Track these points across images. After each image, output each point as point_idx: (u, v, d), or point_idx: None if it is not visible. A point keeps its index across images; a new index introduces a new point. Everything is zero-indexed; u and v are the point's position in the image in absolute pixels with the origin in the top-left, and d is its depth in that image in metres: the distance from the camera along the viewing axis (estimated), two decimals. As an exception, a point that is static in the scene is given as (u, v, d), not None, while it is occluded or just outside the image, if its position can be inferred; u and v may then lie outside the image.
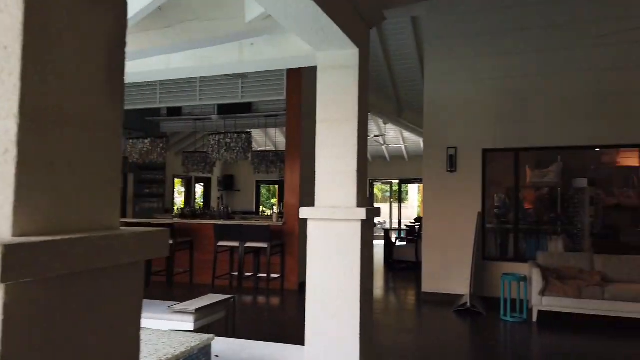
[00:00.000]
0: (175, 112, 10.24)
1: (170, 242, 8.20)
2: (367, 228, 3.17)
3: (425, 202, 7.40)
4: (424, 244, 7.36)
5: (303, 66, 3.34)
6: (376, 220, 19.30)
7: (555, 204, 7.44)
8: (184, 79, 8.21)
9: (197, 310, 3.88)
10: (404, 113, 10.88)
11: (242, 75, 7.60)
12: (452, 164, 7.16)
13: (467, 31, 7.19)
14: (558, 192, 7.55)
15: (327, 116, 3.09)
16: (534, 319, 5.97)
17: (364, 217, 2.96)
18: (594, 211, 7.16)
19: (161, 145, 9.18)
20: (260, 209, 17.85)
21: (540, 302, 5.93)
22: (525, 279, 6.24)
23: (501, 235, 7.26)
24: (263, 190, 20.37)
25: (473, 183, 7.11)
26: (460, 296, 6.75)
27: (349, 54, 3.04)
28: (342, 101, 3.05)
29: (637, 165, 8.54)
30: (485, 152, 7.13)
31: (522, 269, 6.66)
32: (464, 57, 7.19)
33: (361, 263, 2.99)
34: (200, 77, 8.10)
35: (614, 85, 6.49)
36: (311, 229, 3.10)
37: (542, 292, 5.90)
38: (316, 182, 3.12)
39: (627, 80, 6.43)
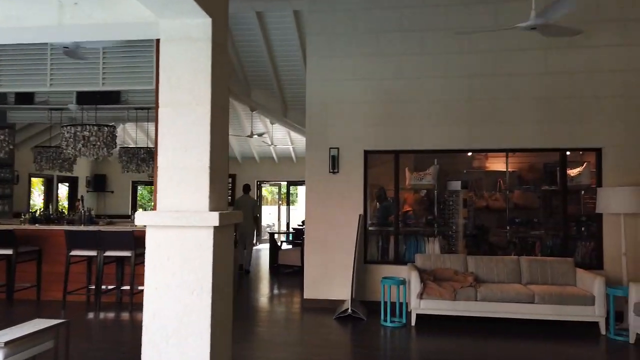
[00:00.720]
0: (26, 99, 8.74)
1: (8, 251, 6.88)
2: (224, 236, 2.63)
3: (308, 204, 7.06)
4: (306, 248, 7.01)
5: (145, 38, 2.70)
6: (265, 223, 18.78)
7: (432, 206, 7.56)
8: (32, 58, 6.97)
9: (6, 343, 3.02)
10: (289, 112, 10.52)
11: (103, 56, 6.61)
12: (334, 165, 6.91)
13: (348, 29, 6.99)
14: (435, 194, 7.68)
15: (171, 99, 2.50)
16: (413, 322, 5.89)
17: (216, 223, 2.41)
18: (467, 213, 7.38)
19: (2, 137, 7.71)
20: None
21: (419, 306, 5.86)
22: (404, 282, 6.16)
23: (382, 238, 7.17)
24: (143, 192, 18.79)
25: (355, 185, 6.92)
26: (343, 302, 6.51)
27: (200, 23, 2.48)
28: (191, 81, 2.48)
29: (504, 169, 9.11)
30: (366, 153, 6.99)
31: (402, 272, 6.60)
32: (346, 56, 6.99)
33: (213, 280, 2.45)
34: (52, 56, 6.92)
35: (484, 91, 6.71)
36: (150, 239, 2.48)
37: (420, 295, 5.84)
38: (157, 180, 2.51)
39: (495, 86, 6.68)
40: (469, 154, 8.21)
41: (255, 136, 12.62)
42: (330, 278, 6.84)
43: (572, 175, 6.97)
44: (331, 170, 6.92)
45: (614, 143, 6.37)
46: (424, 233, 7.31)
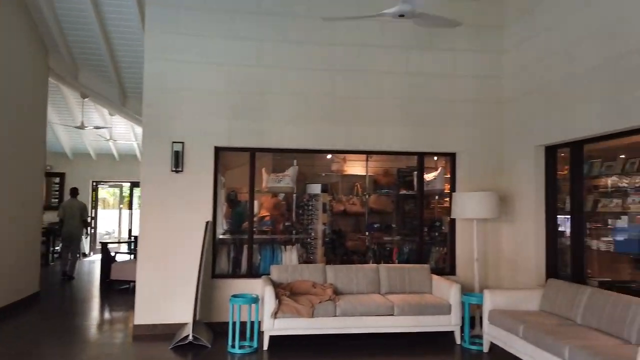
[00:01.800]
0: None
1: None
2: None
3: (144, 208, 5.84)
4: (139, 262, 5.77)
5: None
6: (103, 230, 16.38)
7: (290, 211, 6.91)
8: None
9: None
10: (129, 101, 9.01)
11: None
12: (178, 162, 5.81)
13: (197, 2, 5.99)
14: (294, 198, 7.06)
15: None
16: (265, 346, 5.10)
17: None
18: (327, 218, 6.88)
19: None
20: None
21: (272, 326, 5.10)
22: (257, 299, 5.34)
23: (235, 248, 6.27)
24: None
25: (203, 186, 5.91)
26: (185, 325, 5.45)
27: None
28: None
29: (363, 173, 8.92)
30: (218, 150, 6.04)
31: (257, 286, 5.79)
32: (195, 35, 5.97)
33: None
34: None
35: (347, 87, 6.26)
36: None
37: (275, 314, 5.08)
38: None
39: (358, 83, 6.28)
40: (329, 156, 7.81)
41: (90, 128, 10.70)
42: (169, 298, 5.72)
43: (427, 180, 6.91)
44: (174, 169, 5.81)
45: (467, 148, 6.41)
46: (281, 241, 6.61)
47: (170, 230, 5.80)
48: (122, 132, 13.06)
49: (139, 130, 12.42)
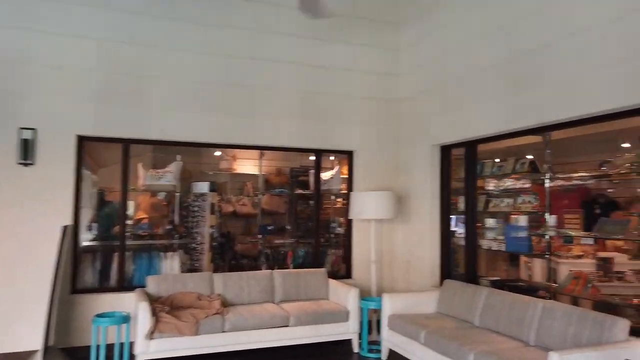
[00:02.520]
0: None
1: None
2: None
3: (-20, 211, 4.64)
4: (-28, 279, 4.57)
5: None
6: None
7: (173, 213, 6.10)
8: None
9: None
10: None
11: None
12: (27, 153, 4.72)
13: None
14: (177, 198, 6.26)
15: None
16: (138, 373, 4.30)
17: None
18: (215, 220, 6.19)
19: None
20: None
21: (147, 348, 4.31)
22: (128, 318, 4.51)
23: (103, 256, 5.30)
24: None
25: (62, 183, 4.88)
26: (34, 354, 4.40)
27: None
28: None
29: (256, 172, 8.35)
30: (81, 139, 5.04)
31: (130, 301, 4.92)
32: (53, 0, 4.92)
33: None
34: None
35: (241, 75, 5.65)
36: None
37: (151, 334, 4.30)
38: None
39: (254, 72, 5.71)
40: (217, 152, 7.13)
41: None
42: (16, 320, 4.61)
43: (323, 179, 6.56)
44: (22, 161, 4.71)
45: (365, 147, 6.18)
46: (161, 247, 5.78)
47: (18, 238, 4.69)
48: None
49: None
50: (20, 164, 4.70)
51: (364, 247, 6.03)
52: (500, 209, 5.09)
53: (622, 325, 3.12)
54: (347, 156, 6.28)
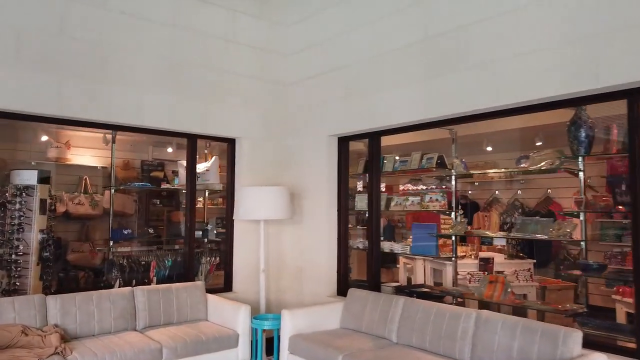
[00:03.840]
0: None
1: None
2: None
3: None
4: None
5: None
6: None
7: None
8: None
9: None
10: None
11: None
12: None
13: None
14: None
15: None
16: None
17: None
18: (47, 223, 4.59)
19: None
20: None
21: None
22: None
23: None
24: None
25: None
26: None
27: None
28: None
29: (94, 164, 6.85)
30: None
31: None
32: None
33: None
34: None
35: (91, 28, 4.24)
36: None
37: (-58, 401, 2.76)
38: None
39: (105, 25, 4.34)
40: (44, 137, 5.47)
41: None
42: None
43: (198, 172, 5.44)
44: None
45: (249, 134, 5.24)
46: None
47: None
48: None
49: None
50: None
51: (247, 254, 5.11)
52: (404, 207, 4.66)
53: (577, 337, 2.81)
54: (229, 145, 5.27)
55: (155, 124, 4.61)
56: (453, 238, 4.47)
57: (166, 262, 5.03)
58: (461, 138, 4.65)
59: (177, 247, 5.73)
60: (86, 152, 6.95)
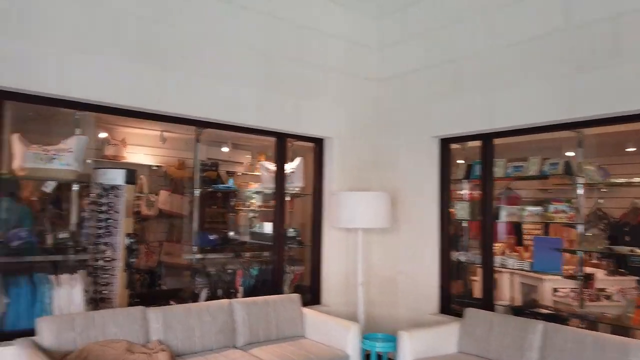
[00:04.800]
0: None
1: None
2: None
3: None
4: None
5: None
6: None
7: (69, 214, 4.03)
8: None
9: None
10: None
11: None
12: None
13: None
14: (72, 191, 4.23)
15: None
16: None
17: None
18: (133, 226, 4.25)
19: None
20: None
21: None
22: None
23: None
24: None
25: None
26: None
27: None
28: None
29: (151, 163, 6.57)
30: None
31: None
32: None
33: None
34: None
35: (177, 15, 3.91)
36: None
37: None
38: None
39: (196, 12, 4.00)
40: (103, 134, 5.15)
41: None
42: None
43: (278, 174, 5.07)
44: None
45: (340, 134, 4.85)
46: (49, 268, 3.71)
47: None
48: None
49: None
50: None
51: (339, 264, 4.72)
52: (520, 218, 4.22)
53: None
54: (315, 145, 4.89)
55: (243, 120, 4.25)
56: (580, 254, 4.02)
57: (252, 270, 4.66)
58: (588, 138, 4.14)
59: (247, 254, 5.33)
60: (140, 150, 6.68)
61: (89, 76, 3.40)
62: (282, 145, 4.64)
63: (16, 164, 3.53)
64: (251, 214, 6.54)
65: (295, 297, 4.20)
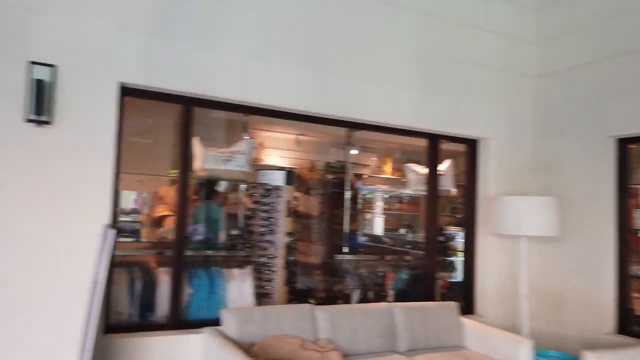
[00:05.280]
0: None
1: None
2: None
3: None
4: None
5: None
6: None
7: (236, 213, 4.29)
8: None
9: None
10: None
11: None
12: (42, 103, 2.80)
13: None
14: (240, 191, 4.52)
15: None
16: None
17: None
18: (291, 225, 4.42)
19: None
20: None
21: None
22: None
23: (144, 274, 3.47)
24: None
25: (96, 160, 3.01)
26: None
27: None
28: None
29: (284, 165, 6.75)
30: (125, 91, 3.18)
31: (192, 348, 3.13)
32: None
33: None
34: None
35: (336, 17, 3.95)
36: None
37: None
38: None
39: (357, 13, 4.01)
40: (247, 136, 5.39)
41: None
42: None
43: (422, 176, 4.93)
44: (33, 117, 2.79)
45: (496, 134, 4.58)
46: (221, 262, 3.97)
47: (19, 243, 2.79)
48: None
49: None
50: (31, 121, 2.79)
51: (495, 273, 4.45)
52: None
53: None
54: (468, 146, 4.67)
55: (399, 122, 4.18)
56: None
57: (401, 274, 4.58)
58: None
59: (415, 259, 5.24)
60: (275, 153, 6.91)
61: (264, 82, 3.57)
62: (434, 146, 4.50)
63: (197, 165, 3.83)
64: (378, 216, 6.48)
65: (453, 304, 4.03)
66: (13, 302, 2.75)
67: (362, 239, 4.89)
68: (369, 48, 4.00)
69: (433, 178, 4.50)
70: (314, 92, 3.77)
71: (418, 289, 4.45)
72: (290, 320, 3.33)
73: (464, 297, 4.52)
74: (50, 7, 2.89)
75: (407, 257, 5.08)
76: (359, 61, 3.97)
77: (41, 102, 2.76)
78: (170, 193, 5.16)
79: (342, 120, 4.07)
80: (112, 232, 2.46)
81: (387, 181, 7.14)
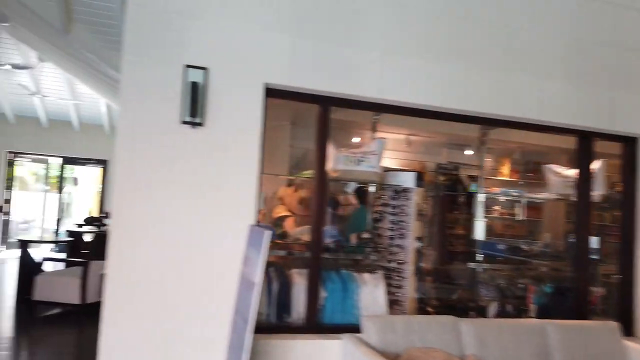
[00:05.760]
0: None
1: None
2: None
3: (119, 196, 2.86)
4: (108, 292, 2.79)
5: None
6: (20, 218, 12.37)
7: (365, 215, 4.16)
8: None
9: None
10: (75, 27, 5.70)
11: None
12: (196, 105, 2.86)
13: None
14: (368, 193, 4.37)
15: None
16: None
17: None
18: (422, 229, 4.19)
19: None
20: None
21: None
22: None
23: (280, 276, 3.44)
24: None
25: (242, 160, 3.03)
26: None
27: None
28: None
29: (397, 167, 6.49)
30: (269, 92, 3.17)
31: (329, 353, 3.04)
32: None
33: None
34: None
35: (488, 8, 3.64)
36: None
37: None
38: None
39: (509, 8, 3.67)
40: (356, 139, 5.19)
41: (7, 68, 7.25)
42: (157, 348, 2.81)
43: (567, 177, 4.44)
44: (189, 119, 2.86)
45: (659, 132, 3.98)
46: (351, 265, 3.85)
47: (175, 238, 2.88)
48: (54, 87, 9.50)
49: (82, 88, 8.97)
50: (187, 123, 2.86)
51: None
52: None
53: None
54: (624, 145, 4.10)
55: (544, 118, 3.76)
56: None
57: (545, 287, 4.13)
58: None
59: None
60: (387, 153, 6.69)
61: (400, 79, 3.39)
62: (586, 145, 4.01)
63: (329, 165, 3.75)
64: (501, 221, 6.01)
65: (614, 325, 3.54)
66: (175, 296, 2.84)
67: (498, 247, 4.50)
68: (518, 39, 3.65)
69: (585, 180, 4.00)
70: (454, 88, 3.51)
71: (564, 304, 3.99)
72: (434, 332, 3.10)
73: (620, 315, 3.96)
74: (204, 11, 2.95)
75: (544, 269, 4.61)
76: (506, 52, 3.64)
77: (195, 104, 2.82)
78: (289, 194, 5.20)
79: (477, 117, 3.75)
80: (268, 233, 2.42)
81: (504, 183, 6.64)
